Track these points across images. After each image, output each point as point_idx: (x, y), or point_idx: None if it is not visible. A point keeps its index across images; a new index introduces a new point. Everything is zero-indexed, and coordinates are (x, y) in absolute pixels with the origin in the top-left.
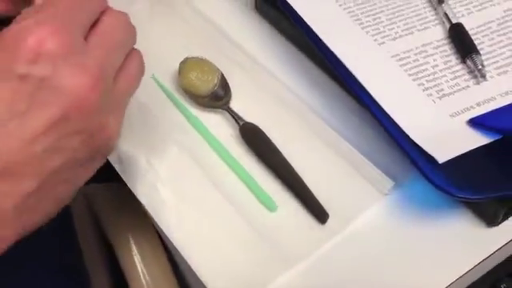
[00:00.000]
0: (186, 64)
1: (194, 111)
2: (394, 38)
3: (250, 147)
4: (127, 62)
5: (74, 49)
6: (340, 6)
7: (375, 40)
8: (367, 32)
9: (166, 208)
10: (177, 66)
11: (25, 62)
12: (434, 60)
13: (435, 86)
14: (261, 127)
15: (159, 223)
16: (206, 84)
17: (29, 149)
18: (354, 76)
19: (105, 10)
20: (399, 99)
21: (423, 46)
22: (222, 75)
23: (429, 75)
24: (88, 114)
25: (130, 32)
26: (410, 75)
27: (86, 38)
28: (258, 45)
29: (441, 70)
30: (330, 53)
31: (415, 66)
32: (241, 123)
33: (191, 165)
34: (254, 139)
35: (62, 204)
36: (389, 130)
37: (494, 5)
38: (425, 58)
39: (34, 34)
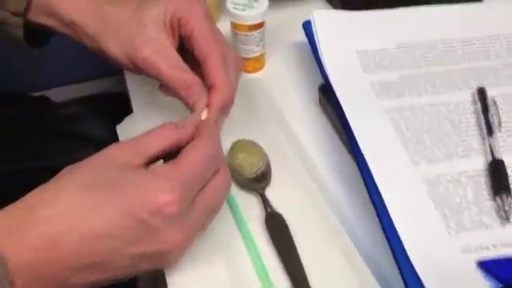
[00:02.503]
0: (237, 144)
1: (232, 188)
2: (431, 161)
3: (269, 234)
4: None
5: (182, 215)
6: (388, 115)
7: (411, 158)
8: (406, 148)
9: (181, 273)
10: (230, 143)
11: (148, 213)
12: (465, 190)
13: (457, 217)
14: (286, 216)
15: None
16: (250, 167)
17: (118, 262)
18: (377, 187)
19: (218, 169)
20: (414, 224)
21: (458, 174)
22: (268, 162)
23: (453, 205)
24: (171, 259)
25: (227, 193)
26: (434, 201)
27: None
28: (312, 137)
29: (467, 202)
30: (362, 159)
31: (443, 193)
32: (268, 210)
33: (212, 234)
34: (275, 228)
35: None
36: (394, 249)
37: None
38: (456, 186)
39: (164, 197)
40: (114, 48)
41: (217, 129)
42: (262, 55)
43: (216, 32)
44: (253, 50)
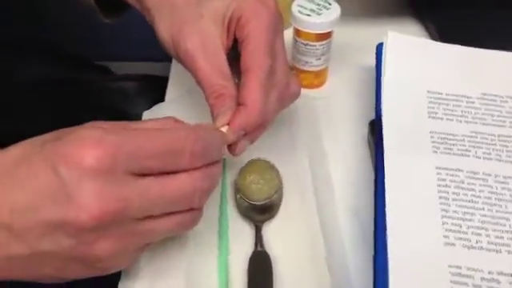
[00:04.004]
0: (252, 164)
1: (231, 211)
2: (471, 247)
3: (248, 274)
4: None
5: (107, 176)
6: (438, 175)
7: (445, 236)
8: (444, 222)
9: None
10: (246, 160)
11: (65, 165)
12: None
13: None
14: (277, 261)
15: None
16: (259, 193)
17: (33, 222)
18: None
19: (197, 167)
20: None
21: (499, 273)
22: (281, 194)
23: None
24: (77, 234)
25: (194, 199)
26: None
27: (144, 175)
28: (347, 178)
29: None
30: (382, 219)
31: None
32: (258, 248)
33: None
34: (257, 270)
35: (48, 280)
36: None
37: None
38: None
39: (87, 149)
40: (164, 29)
41: (218, 134)
42: (323, 71)
43: (275, 45)
44: (311, 63)
